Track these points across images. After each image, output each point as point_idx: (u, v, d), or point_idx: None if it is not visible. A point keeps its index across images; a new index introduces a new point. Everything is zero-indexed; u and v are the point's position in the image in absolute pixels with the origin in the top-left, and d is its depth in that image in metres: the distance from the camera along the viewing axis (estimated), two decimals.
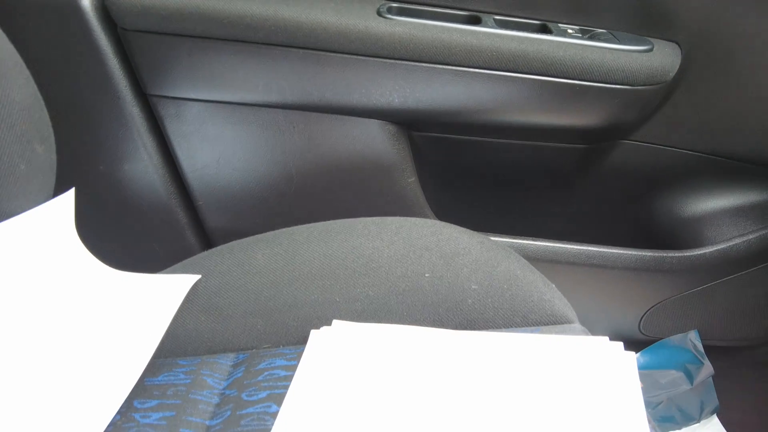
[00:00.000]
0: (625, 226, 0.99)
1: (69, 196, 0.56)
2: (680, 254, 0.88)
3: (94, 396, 0.44)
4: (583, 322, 0.56)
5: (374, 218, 0.63)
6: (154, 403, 0.46)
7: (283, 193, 0.87)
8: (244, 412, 0.45)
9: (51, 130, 0.57)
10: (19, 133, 0.51)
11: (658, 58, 0.72)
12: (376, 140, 0.80)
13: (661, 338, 1.06)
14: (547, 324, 0.54)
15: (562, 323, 0.54)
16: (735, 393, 1.08)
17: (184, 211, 0.90)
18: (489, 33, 0.71)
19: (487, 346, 0.48)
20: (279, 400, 0.46)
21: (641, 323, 1.03)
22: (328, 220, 0.63)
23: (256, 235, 0.62)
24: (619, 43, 0.72)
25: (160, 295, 0.54)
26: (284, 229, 0.63)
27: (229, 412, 0.46)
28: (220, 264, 0.58)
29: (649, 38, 0.74)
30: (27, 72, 0.55)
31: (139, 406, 0.46)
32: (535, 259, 0.89)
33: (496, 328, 0.53)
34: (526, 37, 0.71)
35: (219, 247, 0.62)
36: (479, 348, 0.48)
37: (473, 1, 0.74)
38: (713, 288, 0.93)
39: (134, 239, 0.93)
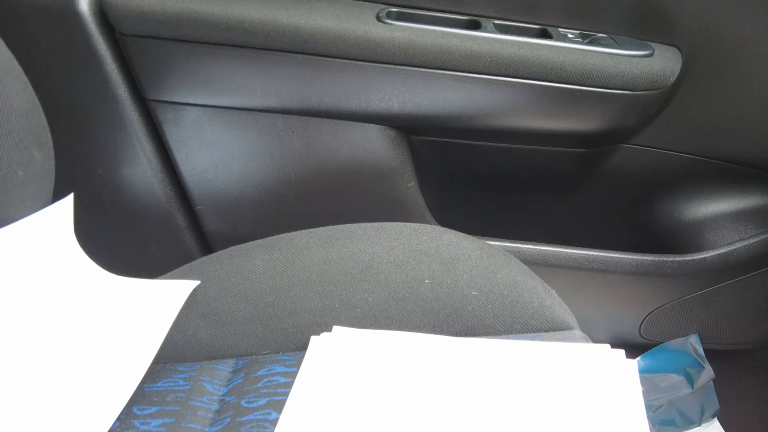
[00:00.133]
0: (625, 231, 0.99)
1: (68, 202, 0.56)
2: (681, 258, 0.88)
3: (93, 402, 0.44)
4: (583, 326, 0.56)
5: (374, 224, 0.62)
6: (153, 409, 0.46)
7: (283, 198, 0.87)
8: (243, 419, 0.45)
9: (49, 135, 0.57)
10: (17, 139, 0.51)
11: (659, 62, 0.72)
12: (375, 145, 0.80)
13: (662, 342, 1.06)
14: (548, 330, 0.54)
15: (563, 330, 0.54)
16: (735, 397, 1.08)
17: (183, 216, 0.90)
18: (489, 38, 0.70)
19: (487, 353, 0.48)
20: (279, 406, 0.45)
21: (642, 327, 1.02)
22: (328, 225, 0.63)
23: (255, 241, 0.62)
24: (620, 47, 0.72)
25: (160, 301, 0.53)
26: (283, 235, 0.62)
27: (228, 419, 0.46)
28: (219, 270, 0.58)
29: (650, 43, 0.74)
30: (25, 77, 0.54)
31: (138, 412, 0.46)
32: (535, 264, 0.89)
33: (496, 334, 0.53)
34: (526, 42, 0.71)
35: (218, 253, 0.62)
36: (479, 355, 0.48)
37: (473, 5, 0.74)
38: (714, 292, 0.93)
39: (133, 244, 0.93)
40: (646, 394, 1.04)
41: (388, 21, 0.70)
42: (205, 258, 0.61)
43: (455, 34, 0.70)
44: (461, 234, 0.62)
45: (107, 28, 0.71)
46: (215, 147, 0.82)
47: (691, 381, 1.03)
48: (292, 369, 0.49)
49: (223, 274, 0.58)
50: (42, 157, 0.54)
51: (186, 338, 0.53)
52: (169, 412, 0.46)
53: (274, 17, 0.68)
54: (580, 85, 0.72)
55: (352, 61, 0.71)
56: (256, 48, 0.70)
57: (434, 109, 0.75)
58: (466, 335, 0.53)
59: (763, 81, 0.74)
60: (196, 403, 0.47)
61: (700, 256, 0.88)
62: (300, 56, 0.71)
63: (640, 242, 0.96)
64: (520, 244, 0.88)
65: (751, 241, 0.87)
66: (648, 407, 1.03)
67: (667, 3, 0.72)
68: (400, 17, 0.72)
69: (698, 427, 1.03)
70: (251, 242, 0.62)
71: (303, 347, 0.51)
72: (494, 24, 0.73)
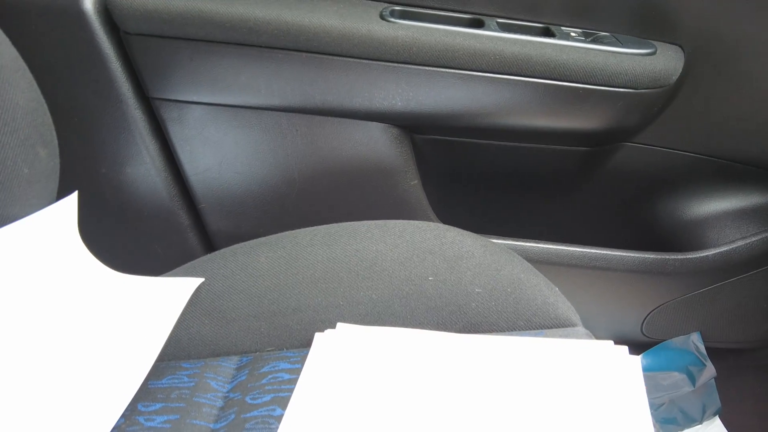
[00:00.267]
0: (627, 229, 0.99)
1: (72, 200, 0.56)
2: (683, 257, 0.88)
3: (98, 399, 0.44)
4: (585, 324, 0.56)
5: (377, 221, 0.63)
6: (158, 406, 0.46)
7: (286, 196, 0.87)
8: (248, 415, 0.45)
9: (54, 133, 0.57)
10: (22, 137, 0.51)
11: (661, 61, 0.72)
12: (378, 143, 0.80)
13: (664, 340, 1.06)
14: (551, 327, 0.54)
15: (566, 326, 0.54)
16: (737, 395, 1.08)
17: (186, 214, 0.90)
18: (492, 36, 0.71)
19: (490, 350, 0.48)
20: (283, 403, 0.46)
21: (644, 325, 1.03)
22: (331, 223, 0.63)
23: (259, 238, 0.62)
24: (622, 46, 0.72)
25: (164, 299, 0.54)
26: (287, 232, 0.63)
27: (233, 416, 0.46)
28: (223, 267, 0.58)
29: (652, 41, 0.74)
30: (30, 76, 0.55)
31: (143, 409, 0.46)
32: (538, 262, 0.89)
33: (500, 331, 0.53)
34: (529, 41, 0.71)
35: (222, 251, 0.62)
36: (483, 351, 0.48)
37: (476, 4, 0.74)
38: (715, 290, 0.93)
39: (137, 242, 0.93)
40: (647, 392, 1.04)
41: (392, 19, 0.70)
42: (209, 255, 0.62)
43: (458, 33, 0.70)
44: (464, 232, 0.62)
45: (111, 26, 0.71)
46: (219, 145, 0.82)
47: (692, 379, 1.03)
48: (297, 366, 0.49)
49: (227, 272, 0.58)
50: (47, 155, 0.55)
51: (190, 335, 0.54)
52: (174, 409, 0.46)
53: (278, 16, 0.69)
54: (582, 83, 0.72)
55: (355, 60, 0.71)
56: (260, 46, 0.71)
57: (437, 108, 0.75)
58: (469, 332, 0.53)
59: (764, 79, 0.74)
60: (200, 399, 0.47)
61: (701, 255, 0.88)
62: (304, 54, 0.71)
63: (642, 240, 0.97)
64: (523, 242, 0.89)
65: (753, 239, 0.87)
66: (650, 405, 1.03)
67: (669, 2, 0.72)
68: (404, 16, 0.72)
69: (700, 426, 1.04)
70: (255, 240, 0.62)
71: (307, 344, 0.51)
72: (497, 22, 0.73)
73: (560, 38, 0.72)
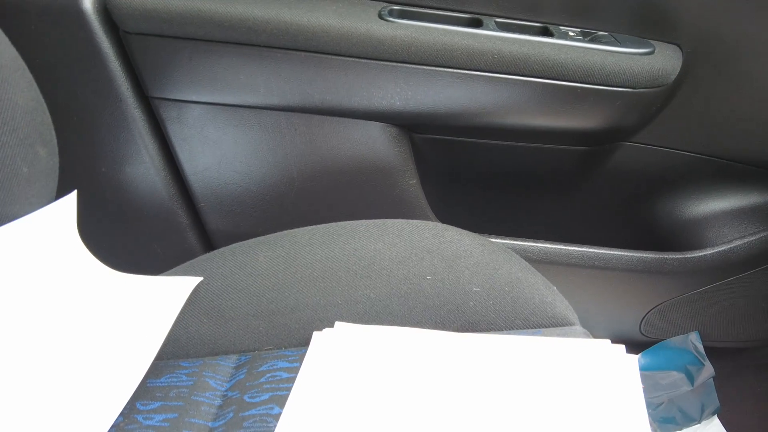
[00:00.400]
0: (626, 228, 0.99)
1: (71, 199, 0.56)
2: (681, 256, 0.88)
3: (97, 398, 0.44)
4: (584, 324, 0.56)
5: (376, 220, 0.63)
6: (156, 404, 0.46)
7: (285, 196, 0.87)
8: (246, 413, 0.46)
9: (53, 133, 0.57)
10: (21, 136, 0.51)
11: (660, 60, 0.72)
12: (377, 143, 0.80)
13: (662, 339, 1.06)
14: (549, 326, 0.54)
15: (564, 325, 0.54)
16: (736, 394, 1.08)
17: (185, 213, 0.90)
18: (490, 36, 0.71)
19: (488, 349, 0.49)
20: (281, 401, 0.46)
21: (642, 325, 1.03)
22: (330, 222, 0.63)
23: (258, 238, 0.62)
24: (621, 45, 0.72)
25: (163, 298, 0.54)
26: (286, 232, 0.63)
27: (231, 414, 0.46)
28: (221, 266, 0.59)
29: (651, 41, 0.74)
30: (29, 75, 0.55)
31: (141, 407, 0.46)
32: (536, 261, 0.89)
33: (498, 330, 0.53)
34: (528, 40, 0.71)
35: (220, 250, 0.62)
36: (481, 350, 0.49)
37: (474, 3, 0.74)
38: (714, 289, 0.93)
39: (136, 241, 0.93)
40: (646, 391, 1.04)
41: (391, 19, 0.70)
42: (207, 255, 0.62)
43: (457, 32, 0.70)
44: (463, 231, 0.62)
45: (111, 26, 0.71)
46: (218, 144, 0.82)
47: (691, 378, 1.03)
48: (295, 364, 0.49)
49: (226, 271, 0.58)
50: (46, 155, 0.55)
51: (189, 334, 0.54)
52: (173, 407, 0.46)
53: (277, 15, 0.69)
54: (581, 82, 0.72)
55: (354, 59, 0.71)
56: (259, 46, 0.71)
57: (436, 107, 0.75)
58: (467, 331, 0.53)
59: (763, 79, 0.74)
60: (199, 398, 0.47)
61: (700, 254, 0.88)
62: (303, 54, 0.71)
63: (640, 240, 0.97)
64: (522, 241, 0.89)
65: (752, 238, 0.87)
66: (648, 405, 1.04)
67: (668, 1, 0.72)
68: (403, 15, 0.72)
69: (698, 425, 1.04)
70: (254, 239, 0.62)
71: (305, 343, 0.51)
72: (496, 22, 0.73)
73: (558, 38, 0.72)
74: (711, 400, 1.04)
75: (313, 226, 0.63)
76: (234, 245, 0.62)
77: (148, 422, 0.45)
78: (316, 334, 0.51)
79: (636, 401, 0.43)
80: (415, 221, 0.63)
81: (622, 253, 0.88)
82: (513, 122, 0.78)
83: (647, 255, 0.88)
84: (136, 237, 0.93)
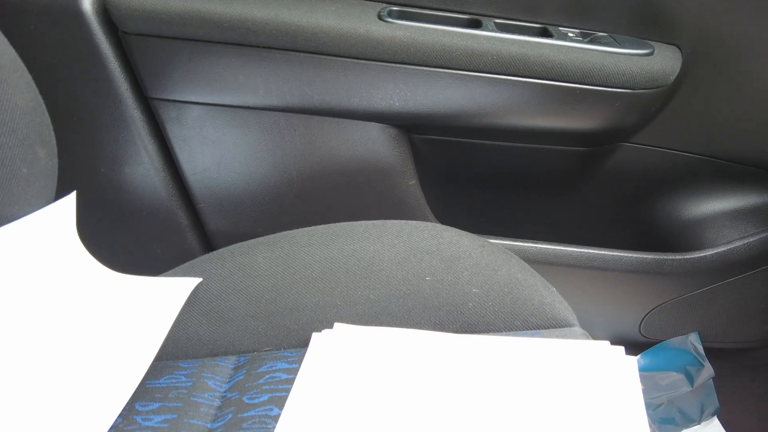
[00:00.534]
0: (625, 229, 0.99)
1: (70, 200, 0.56)
2: (681, 257, 0.88)
3: (96, 399, 0.44)
4: (583, 325, 0.56)
5: (375, 221, 0.63)
6: (155, 405, 0.46)
7: (284, 196, 0.87)
8: (245, 415, 0.46)
9: (52, 133, 0.57)
10: (21, 137, 0.51)
11: (659, 61, 0.72)
12: (376, 143, 0.80)
13: (662, 340, 1.06)
14: (548, 327, 0.54)
15: (563, 327, 0.54)
16: (735, 395, 1.08)
17: (184, 214, 0.90)
18: (489, 36, 0.71)
19: (487, 350, 0.49)
20: (280, 403, 0.46)
21: (642, 325, 1.03)
22: (329, 223, 0.63)
23: (257, 239, 0.62)
24: (620, 46, 0.72)
25: (162, 298, 0.54)
26: (285, 232, 0.63)
27: (230, 415, 0.46)
28: (221, 267, 0.59)
29: (650, 41, 0.74)
30: (28, 76, 0.55)
31: (140, 408, 0.46)
32: (536, 262, 0.89)
33: (497, 331, 0.53)
34: (527, 41, 0.71)
35: (220, 250, 0.62)
36: (480, 351, 0.49)
37: (474, 4, 0.74)
38: (713, 290, 0.93)
39: (135, 242, 0.93)
40: (646, 392, 1.04)
41: (390, 20, 0.70)
42: (207, 255, 0.62)
43: (456, 33, 0.70)
44: (462, 232, 0.62)
45: (110, 26, 0.71)
46: (217, 145, 0.82)
47: (691, 379, 1.03)
48: (294, 365, 0.49)
49: (225, 272, 0.58)
50: (45, 155, 0.55)
51: (188, 335, 0.54)
52: (172, 408, 0.46)
53: (277, 16, 0.69)
54: (580, 83, 0.72)
55: (353, 60, 0.71)
56: (258, 46, 0.71)
57: (435, 108, 0.75)
58: (466, 332, 0.53)
59: (763, 80, 0.74)
60: (198, 399, 0.47)
61: (700, 255, 0.88)
62: (302, 55, 0.71)
63: (640, 240, 0.97)
64: (521, 242, 0.89)
65: (751, 239, 0.87)
66: (648, 405, 1.03)
67: (667, 2, 0.72)
68: (402, 16, 0.72)
69: (698, 426, 1.04)
70: (253, 240, 0.62)
71: (305, 344, 0.51)
72: (495, 23, 0.73)
73: (558, 39, 0.72)
74: (710, 400, 1.04)
75: (312, 227, 0.63)
76: (233, 246, 0.62)
77: (147, 423, 0.45)
78: (315, 335, 0.51)
79: (635, 403, 0.43)
80: (414, 222, 0.63)
81: (622, 254, 0.88)
82: (512, 123, 0.78)
83: (647, 256, 0.88)
84: (136, 238, 0.93)
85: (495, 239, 0.89)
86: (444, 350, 0.49)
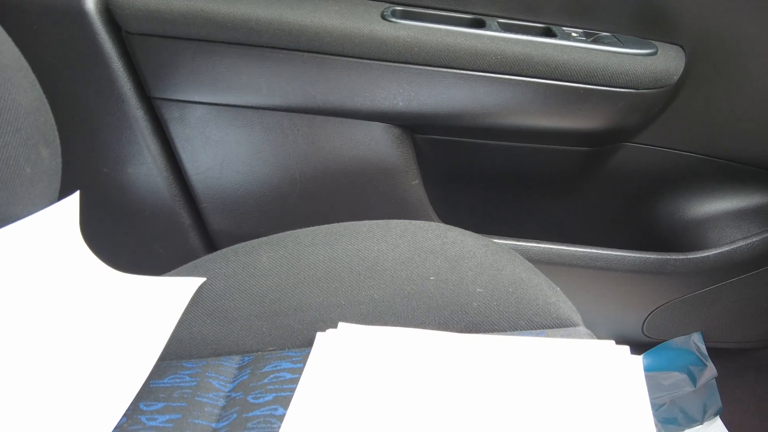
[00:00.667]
0: (628, 229, 0.99)
1: (74, 199, 0.56)
2: (683, 257, 0.88)
3: (100, 398, 0.44)
4: (586, 325, 0.56)
5: (379, 221, 0.63)
6: (159, 405, 0.46)
7: (287, 196, 0.87)
8: (250, 414, 0.45)
9: (56, 133, 0.57)
10: (24, 136, 0.51)
11: (662, 61, 0.72)
12: (380, 143, 0.80)
13: (665, 340, 1.06)
14: (553, 327, 0.54)
15: (568, 326, 0.54)
16: (738, 395, 1.08)
17: (187, 214, 0.90)
18: (493, 36, 0.71)
19: (492, 350, 0.49)
20: (285, 402, 0.46)
21: (644, 325, 1.03)
22: (333, 223, 0.63)
23: (261, 238, 0.62)
24: (623, 46, 0.72)
25: (166, 298, 0.54)
26: (289, 232, 0.63)
27: (235, 415, 0.46)
28: (224, 267, 0.59)
29: (653, 41, 0.74)
30: (32, 75, 0.55)
31: (145, 408, 0.46)
32: (539, 262, 0.89)
33: (501, 331, 0.53)
34: (531, 41, 0.71)
35: (223, 250, 0.62)
36: (484, 351, 0.48)
37: (477, 4, 0.74)
38: (716, 290, 0.93)
39: (138, 242, 0.93)
40: (648, 392, 1.04)
41: (393, 19, 0.70)
42: (210, 255, 0.62)
43: (460, 33, 0.70)
44: (466, 231, 0.62)
45: (113, 26, 0.71)
46: (220, 145, 0.82)
47: (693, 379, 1.03)
48: (298, 365, 0.49)
49: (229, 271, 0.58)
50: (49, 155, 0.55)
51: (192, 335, 0.54)
52: (176, 408, 0.46)
53: (280, 16, 0.69)
54: (583, 83, 0.72)
55: (357, 60, 0.71)
56: (261, 46, 0.71)
57: (439, 108, 0.75)
58: (471, 332, 0.53)
59: (763, 80, 0.74)
60: (202, 399, 0.47)
61: (702, 255, 0.88)
62: (305, 54, 0.71)
63: (643, 240, 0.97)
64: (524, 242, 0.89)
65: (754, 239, 0.87)
66: (650, 405, 1.03)
67: (670, 2, 0.72)
68: (405, 16, 0.72)
69: (701, 426, 1.04)
70: (257, 239, 0.62)
71: (309, 344, 0.51)
72: (498, 23, 0.73)
73: (561, 38, 0.72)
74: (713, 400, 1.04)
75: (316, 227, 0.63)
76: (237, 246, 0.62)
77: (151, 423, 0.45)
78: (319, 335, 0.51)
79: (641, 402, 0.43)
80: (418, 222, 0.62)
81: (625, 254, 0.88)
82: (516, 123, 0.78)
83: (650, 256, 0.88)
84: (139, 237, 0.93)
85: (499, 239, 0.89)
86: (448, 350, 0.49)
